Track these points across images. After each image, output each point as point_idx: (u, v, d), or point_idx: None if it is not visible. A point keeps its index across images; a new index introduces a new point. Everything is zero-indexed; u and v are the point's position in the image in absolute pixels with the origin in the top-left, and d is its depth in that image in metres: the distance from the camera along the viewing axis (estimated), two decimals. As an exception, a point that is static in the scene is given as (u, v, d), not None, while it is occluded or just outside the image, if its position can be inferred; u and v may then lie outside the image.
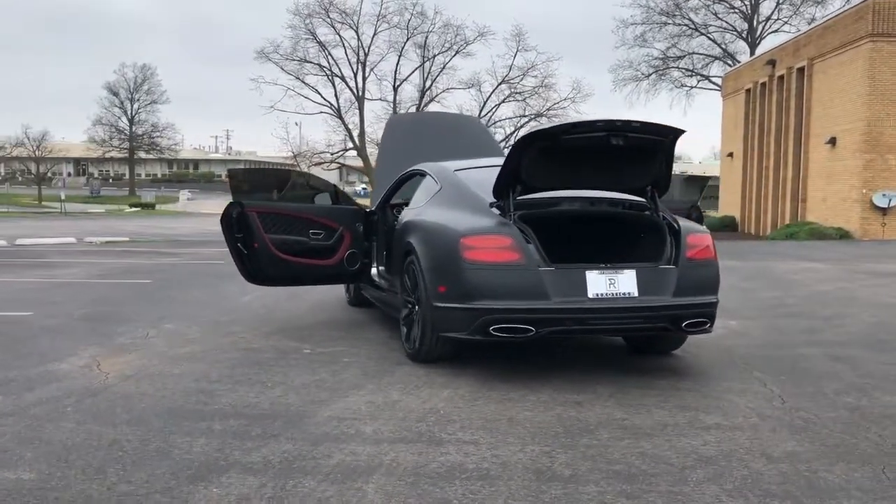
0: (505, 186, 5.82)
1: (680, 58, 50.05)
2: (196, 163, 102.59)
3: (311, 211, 7.53)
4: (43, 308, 8.90)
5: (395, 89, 28.59)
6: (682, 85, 50.12)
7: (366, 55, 28.57)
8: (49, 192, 70.13)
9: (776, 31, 49.59)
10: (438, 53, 28.09)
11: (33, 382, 5.55)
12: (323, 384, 5.56)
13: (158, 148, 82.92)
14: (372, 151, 29.35)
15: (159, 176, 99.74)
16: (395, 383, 5.61)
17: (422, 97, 28.70)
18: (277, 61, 27.87)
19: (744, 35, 49.90)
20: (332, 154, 29.85)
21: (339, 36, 27.69)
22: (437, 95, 27.81)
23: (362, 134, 28.98)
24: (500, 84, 26.97)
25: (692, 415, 4.91)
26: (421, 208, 6.70)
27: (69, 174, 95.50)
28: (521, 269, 5.50)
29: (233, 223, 7.24)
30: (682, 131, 5.71)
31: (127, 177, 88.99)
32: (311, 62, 27.82)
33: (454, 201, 6.32)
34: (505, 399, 5.22)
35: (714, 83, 49.98)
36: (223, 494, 3.55)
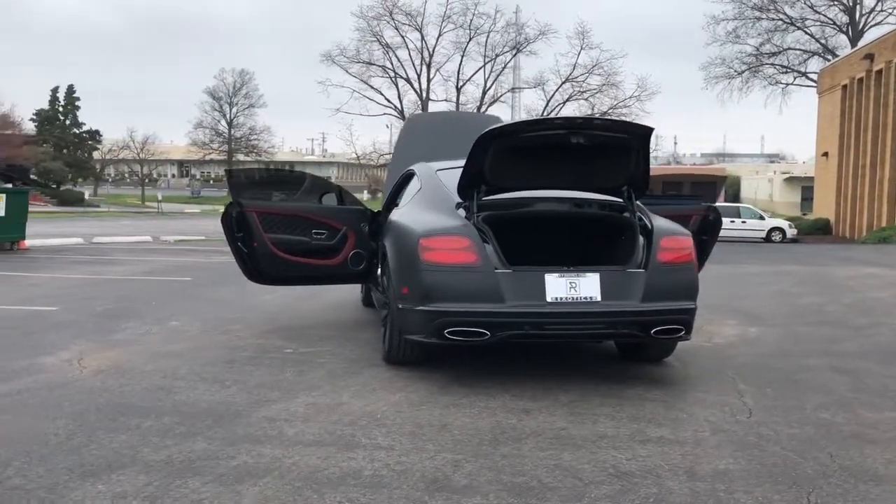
0: (468, 186, 5.67)
1: (775, 54, 48.17)
2: (292, 165, 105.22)
3: (314, 211, 7.54)
4: (71, 303, 9.25)
5: (459, 90, 28.51)
6: (776, 82, 48.22)
7: (430, 56, 28.60)
8: (152, 192, 73.30)
9: (879, 23, 47.03)
10: (500, 53, 27.85)
11: (13, 374, 5.73)
12: (280, 384, 5.54)
13: (256, 150, 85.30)
14: None
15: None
16: (354, 385, 5.55)
17: (483, 97, 28.59)
18: (343, 64, 28.26)
19: (844, 29, 47.57)
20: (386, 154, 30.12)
21: (403, 37, 27.86)
22: (501, 95, 27.62)
23: None
24: (563, 83, 26.53)
25: (640, 427, 4.66)
26: (402, 209, 6.62)
27: (173, 175, 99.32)
28: (476, 270, 5.35)
29: (232, 223, 7.33)
30: (650, 129, 5.44)
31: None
32: (374, 64, 28.07)
33: (428, 202, 6.21)
34: (453, 404, 5.08)
35: (812, 80, 47.86)
36: (102, 492, 3.55)
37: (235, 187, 7.66)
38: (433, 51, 27.95)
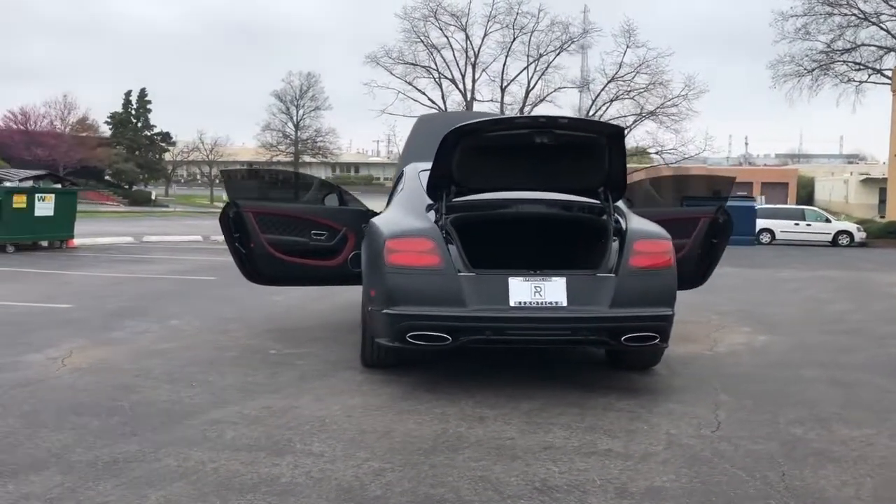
0: (436, 187, 5.54)
1: (847, 51, 46.34)
2: (357, 166, 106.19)
3: (313, 212, 7.50)
4: (87, 301, 9.43)
5: (503, 90, 28.21)
6: (848, 80, 46.38)
7: (475, 56, 28.39)
8: (221, 193, 74.95)
9: (961, 17, 44.80)
10: (543, 54, 27.43)
11: (-6, 371, 5.84)
12: (247, 386, 5.50)
13: (322, 152, 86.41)
14: None
15: (323, 178, 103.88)
16: (320, 388, 5.47)
17: (526, 97, 28.20)
18: (387, 65, 28.28)
19: (924, 23, 45.42)
20: None
21: (448, 38, 27.72)
22: (548, 95, 27.17)
23: None
24: (609, 82, 25.95)
25: (592, 438, 4.45)
26: (384, 210, 6.53)
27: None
28: (439, 273, 5.21)
29: (230, 223, 7.35)
30: (619, 128, 5.23)
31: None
32: (418, 65, 28.00)
33: (405, 203, 6.10)
34: (409, 410, 4.95)
35: (887, 77, 46.00)
36: (10, 492, 3.54)
37: (232, 188, 7.68)
38: (478, 51, 27.83)
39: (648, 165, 31.01)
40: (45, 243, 17.19)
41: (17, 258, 15.08)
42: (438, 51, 27.56)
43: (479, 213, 5.68)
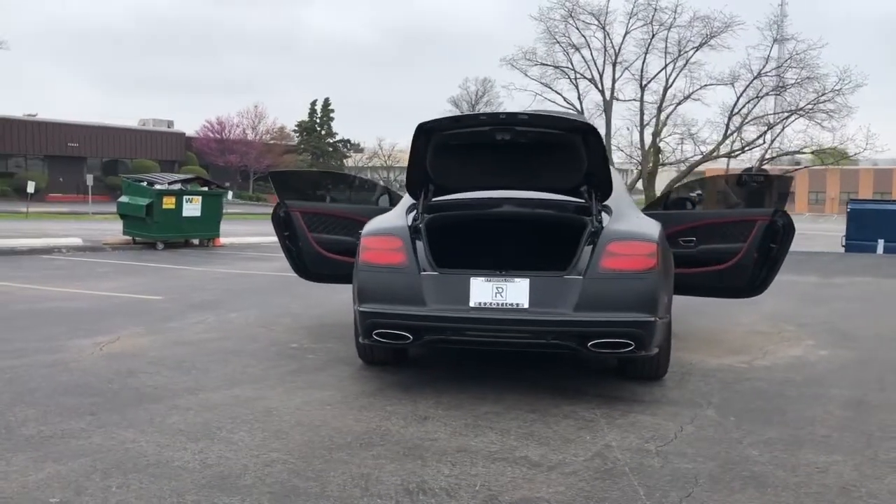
0: (413, 186, 5.52)
1: None
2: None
3: (357, 212, 7.69)
4: (177, 294, 10.14)
5: (643, 88, 27.11)
6: None
7: (616, 55, 27.47)
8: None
9: None
10: (681, 52, 25.98)
11: (31, 352, 6.36)
12: (236, 377, 5.72)
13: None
14: (616, 156, 28.19)
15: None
16: (300, 382, 5.59)
17: (664, 95, 26.89)
18: (522, 67, 27.97)
19: None
20: None
21: (585, 38, 26.98)
22: (694, 92, 25.75)
23: (608, 135, 27.93)
24: (754, 78, 24.17)
25: (519, 444, 4.28)
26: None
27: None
28: (403, 272, 5.19)
29: (280, 222, 7.69)
30: (587, 125, 4.97)
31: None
32: (555, 66, 27.41)
33: (402, 203, 6.12)
34: (361, 407, 4.97)
35: None
36: (-64, 457, 3.94)
37: (281, 188, 8.02)
38: (619, 49, 26.97)
39: (801, 167, 28.91)
40: (195, 241, 18.60)
41: (160, 254, 16.42)
42: (579, 50, 27.06)
43: (454, 213, 5.59)
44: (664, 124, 26.15)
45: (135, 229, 17.76)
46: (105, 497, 3.46)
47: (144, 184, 17.94)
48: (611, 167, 5.49)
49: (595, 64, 27.01)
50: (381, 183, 9.15)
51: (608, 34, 26.93)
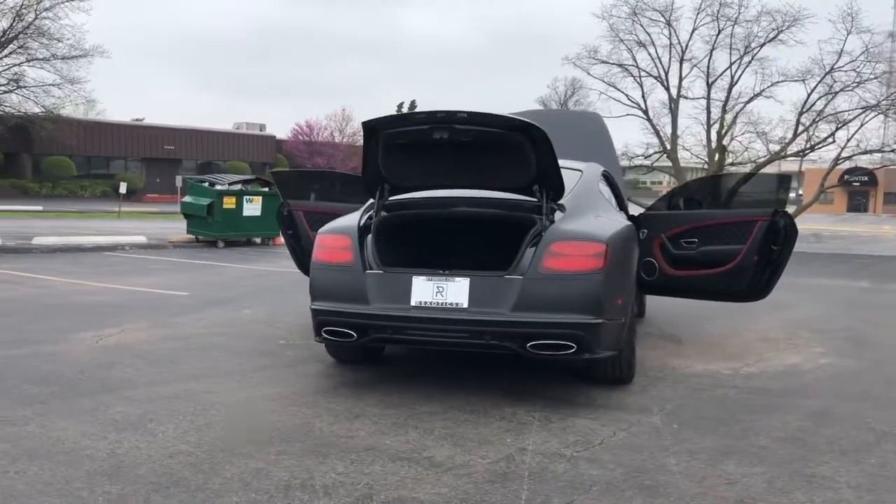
0: (368, 185, 5.52)
1: None
2: (623, 170, 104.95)
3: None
4: (204, 290, 10.45)
5: (709, 85, 26.04)
6: None
7: (682, 52, 26.54)
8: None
9: None
10: (748, 48, 24.82)
11: (31, 342, 6.67)
12: (203, 371, 5.83)
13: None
14: (682, 155, 27.25)
15: None
16: (261, 377, 5.69)
17: (729, 92, 25.70)
18: (584, 66, 27.35)
19: None
20: (645, 157, 28.42)
21: (649, 35, 26.16)
22: (764, 90, 24.52)
23: (674, 134, 27.04)
24: (826, 74, 22.84)
25: (435, 444, 4.24)
26: None
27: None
28: (349, 270, 5.21)
29: (284, 221, 7.86)
30: (528, 124, 4.86)
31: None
32: (616, 64, 26.73)
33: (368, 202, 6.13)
34: (301, 404, 5.00)
35: None
36: None
37: (283, 187, 8.18)
38: (686, 46, 26.08)
39: (880, 166, 27.31)
40: (257, 240, 19.12)
41: (216, 252, 16.95)
42: (645, 47, 26.36)
43: (405, 212, 5.56)
44: (732, 123, 25.26)
45: (197, 228, 18.38)
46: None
47: (206, 184, 18.55)
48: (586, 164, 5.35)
49: (660, 61, 26.34)
50: None
51: (674, 30, 26.20)
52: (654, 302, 8.80)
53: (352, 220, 5.58)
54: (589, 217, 5.40)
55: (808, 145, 23.93)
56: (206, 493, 3.53)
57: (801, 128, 23.49)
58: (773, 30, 24.29)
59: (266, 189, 19.34)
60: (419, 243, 5.77)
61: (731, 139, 25.82)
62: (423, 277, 5.02)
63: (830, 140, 23.29)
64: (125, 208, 35.62)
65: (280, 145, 64.53)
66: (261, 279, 12.19)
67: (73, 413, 4.71)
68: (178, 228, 21.58)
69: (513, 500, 3.51)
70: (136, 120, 58.42)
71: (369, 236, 5.31)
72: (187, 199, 18.55)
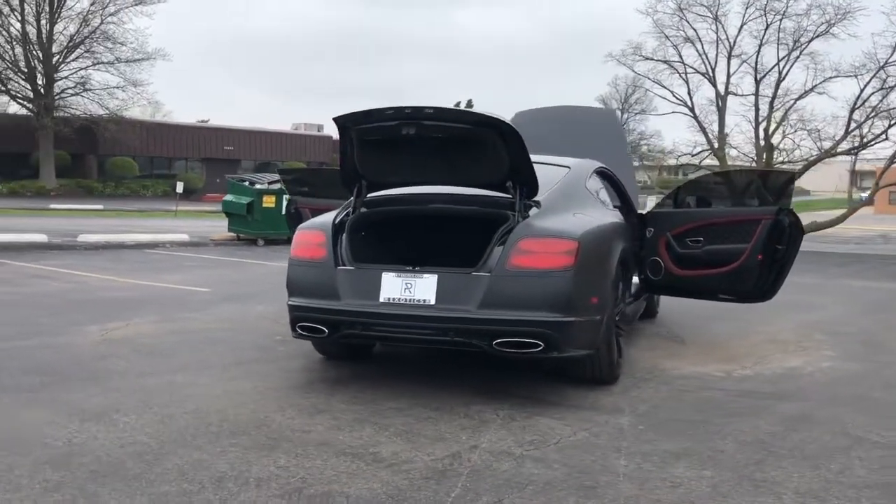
0: (345, 182, 5.54)
1: None
2: (677, 169, 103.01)
3: None
4: (226, 286, 10.65)
5: (758, 82, 25.23)
6: None
7: (731, 47, 25.79)
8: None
9: None
10: (797, 43, 23.91)
11: (40, 333, 6.90)
12: (192, 364, 5.92)
13: (644, 156, 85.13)
14: (730, 154, 26.38)
15: (648, 182, 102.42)
16: (242, 371, 5.74)
17: (777, 88, 24.83)
18: (628, 63, 26.79)
19: None
20: (692, 155, 27.68)
21: (695, 30, 25.48)
22: (817, 85, 23.58)
23: (721, 132, 26.30)
24: (880, 69, 21.85)
25: (385, 441, 4.23)
26: None
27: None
28: (321, 266, 5.24)
29: (292, 218, 7.96)
30: (496, 120, 4.81)
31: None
32: (661, 60, 26.11)
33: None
34: (269, 399, 5.03)
35: None
36: None
37: (290, 185, 8.27)
38: (734, 41, 25.34)
39: None
40: (298, 239, 19.37)
41: (254, 250, 17.23)
42: (692, 43, 25.75)
43: (380, 209, 5.56)
44: (782, 119, 24.50)
45: (238, 226, 18.72)
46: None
47: (246, 183, 18.87)
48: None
49: (707, 57, 25.73)
50: None
51: (722, 25, 25.56)
52: (670, 302, 8.63)
53: (327, 216, 5.61)
54: (566, 214, 5.32)
55: (860, 142, 23.10)
56: (140, 481, 3.58)
57: (853, 124, 22.70)
58: (824, 23, 23.57)
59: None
60: (394, 240, 5.78)
61: (783, 137, 25.11)
62: (393, 274, 5.02)
63: (883, 137, 22.46)
64: (183, 207, 36.51)
65: (336, 145, 65.20)
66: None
67: (50, 403, 4.83)
68: (225, 227, 22.04)
69: (442, 497, 3.48)
70: (202, 121, 59.78)
71: (344, 233, 5.34)
72: (228, 197, 18.92)
